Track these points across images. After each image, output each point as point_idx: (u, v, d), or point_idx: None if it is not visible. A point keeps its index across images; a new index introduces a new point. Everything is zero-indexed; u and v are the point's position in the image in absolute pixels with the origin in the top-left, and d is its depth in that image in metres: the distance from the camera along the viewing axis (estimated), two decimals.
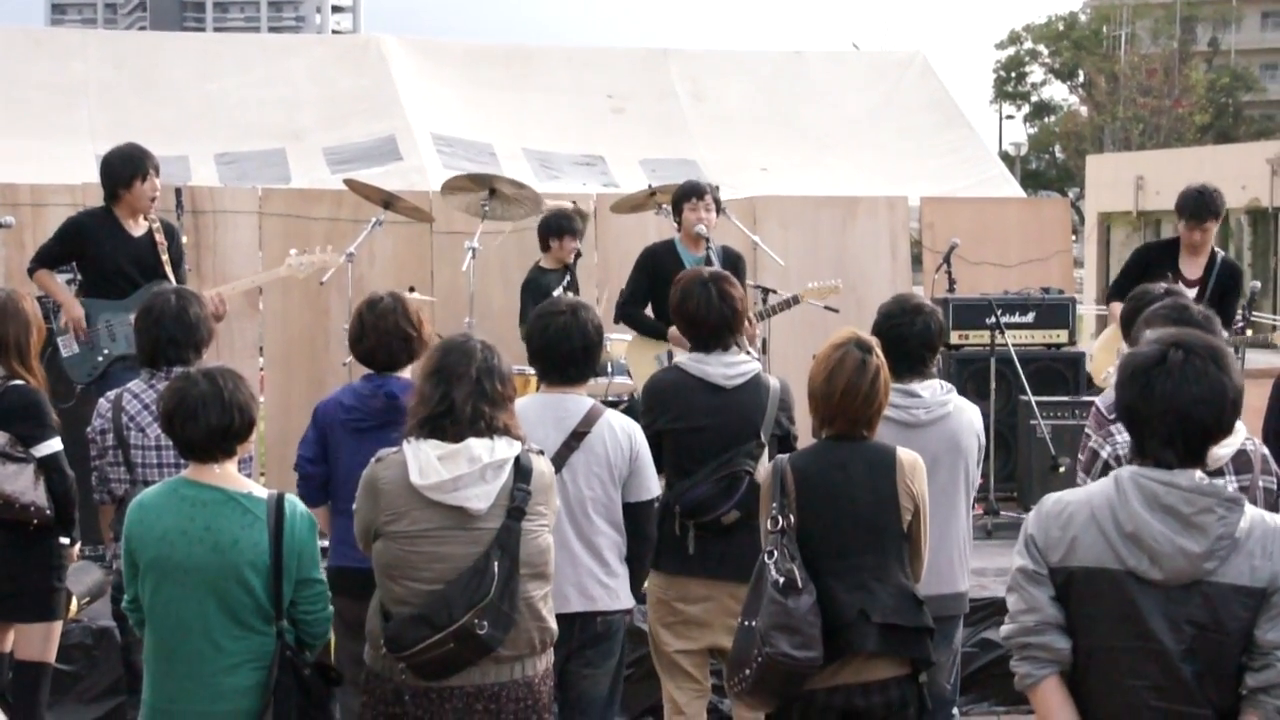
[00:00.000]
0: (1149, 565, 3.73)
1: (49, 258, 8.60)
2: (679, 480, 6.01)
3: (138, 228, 8.47)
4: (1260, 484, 4.78)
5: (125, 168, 8.39)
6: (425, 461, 4.69)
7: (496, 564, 4.65)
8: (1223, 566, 3.72)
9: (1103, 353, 9.62)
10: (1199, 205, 9.11)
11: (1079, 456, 5.84)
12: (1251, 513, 3.78)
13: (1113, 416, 5.55)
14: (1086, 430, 5.85)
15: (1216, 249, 9.30)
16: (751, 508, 5.62)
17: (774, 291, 9.59)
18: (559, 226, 10.43)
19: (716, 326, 6.06)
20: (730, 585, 5.72)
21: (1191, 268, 9.19)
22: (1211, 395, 3.76)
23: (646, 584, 6.14)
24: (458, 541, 4.69)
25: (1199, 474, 3.76)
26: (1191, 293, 8.86)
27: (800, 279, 10.03)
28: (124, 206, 8.41)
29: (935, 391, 5.85)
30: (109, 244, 8.41)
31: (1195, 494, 3.73)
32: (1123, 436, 4.92)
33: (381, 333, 6.00)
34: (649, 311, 9.25)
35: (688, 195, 9.09)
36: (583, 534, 5.56)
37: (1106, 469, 4.92)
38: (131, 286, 8.31)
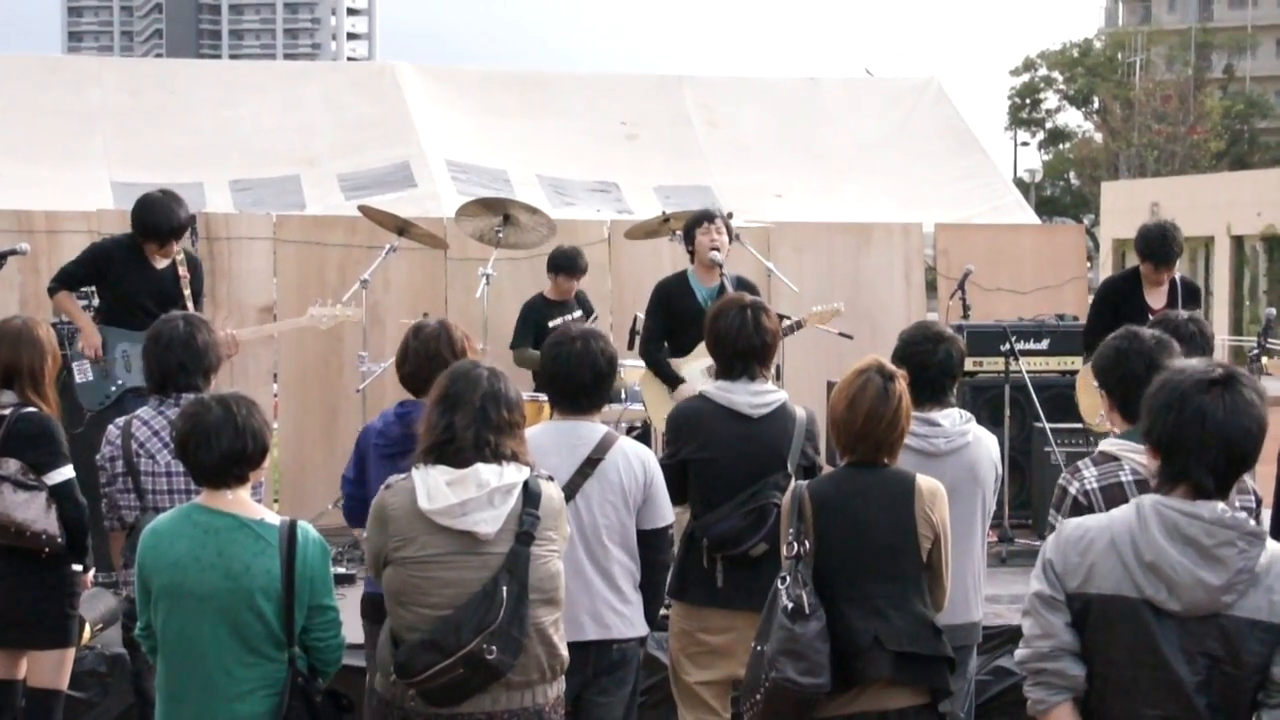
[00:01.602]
0: (1167, 595, 3.70)
1: (71, 279, 8.63)
2: (705, 511, 5.98)
3: (161, 261, 8.50)
4: (1236, 502, 4.74)
5: (145, 225, 8.42)
6: (433, 487, 4.67)
7: (505, 589, 4.63)
8: (1241, 600, 3.70)
9: (1088, 395, 9.57)
10: (1167, 250, 9.18)
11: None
12: (1272, 547, 3.76)
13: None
14: None
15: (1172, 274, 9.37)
16: (778, 540, 5.59)
17: (786, 317, 9.58)
18: (555, 264, 10.58)
19: (744, 352, 6.02)
20: (752, 616, 5.66)
21: (1156, 297, 9.28)
22: (1257, 428, 3.77)
23: (669, 614, 6.11)
24: (466, 566, 4.67)
25: (1221, 506, 3.74)
26: None
27: (814, 306, 10.02)
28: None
29: (955, 421, 5.83)
30: (130, 276, 8.46)
31: (1217, 526, 3.71)
32: (1090, 472, 4.88)
33: (422, 358, 6.01)
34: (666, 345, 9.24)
35: (699, 221, 9.07)
36: (597, 561, 5.55)
37: (1076, 505, 4.86)
38: (150, 319, 8.27)
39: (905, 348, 5.88)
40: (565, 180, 14.14)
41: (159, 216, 8.37)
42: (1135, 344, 5.02)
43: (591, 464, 5.55)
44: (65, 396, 8.27)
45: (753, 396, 6.00)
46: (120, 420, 6.07)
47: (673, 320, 9.04)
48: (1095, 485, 4.81)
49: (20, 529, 6.27)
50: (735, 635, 5.92)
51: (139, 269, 8.46)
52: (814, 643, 4.85)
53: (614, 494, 5.56)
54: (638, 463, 5.62)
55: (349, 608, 5.51)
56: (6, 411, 6.40)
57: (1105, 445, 4.94)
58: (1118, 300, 9.31)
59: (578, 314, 10.43)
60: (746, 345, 6.02)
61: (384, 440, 5.97)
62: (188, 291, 8.50)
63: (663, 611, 6.05)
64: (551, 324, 10.08)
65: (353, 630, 5.19)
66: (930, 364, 5.80)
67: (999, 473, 5.98)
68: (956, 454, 5.80)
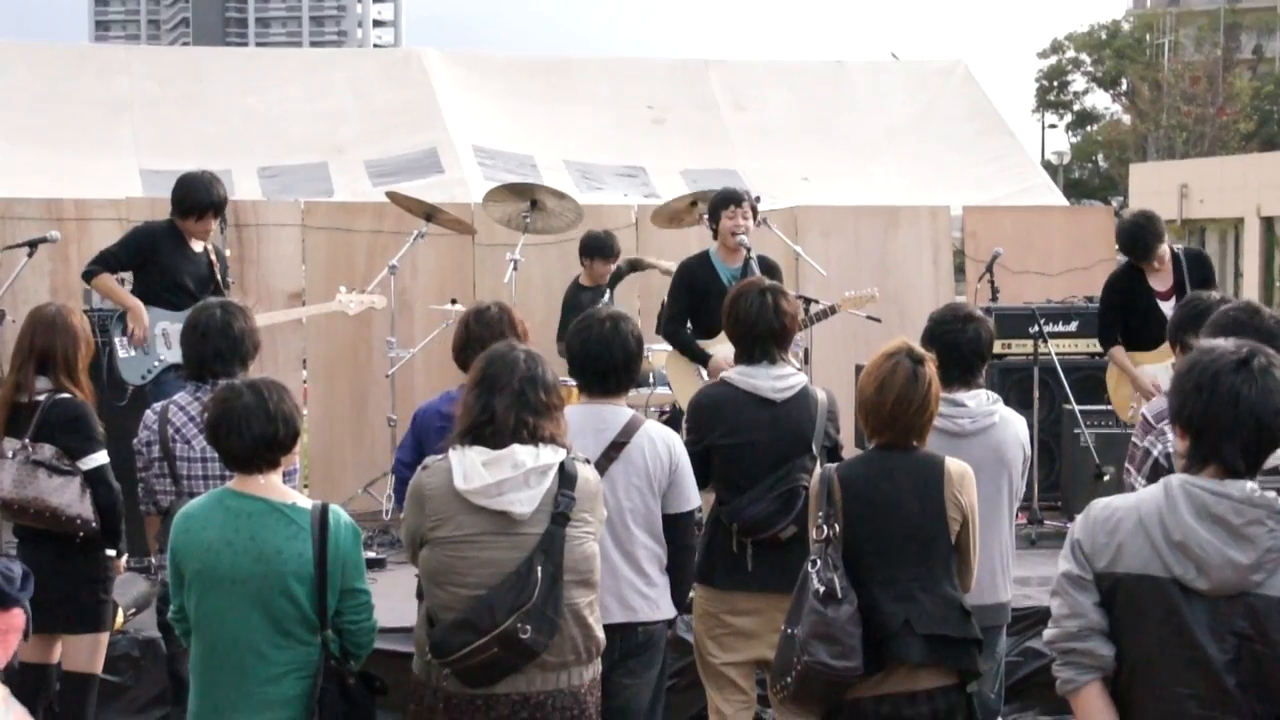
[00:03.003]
0: (1195, 574, 3.70)
1: (114, 262, 8.70)
2: (731, 496, 5.98)
3: (198, 243, 8.65)
4: None
5: (185, 199, 8.54)
6: (469, 467, 4.69)
7: (540, 569, 4.65)
8: (1270, 579, 3.69)
9: (1121, 388, 9.57)
10: (1141, 244, 9.22)
11: (1126, 464, 5.81)
12: None
13: (1159, 424, 5.53)
14: (1134, 440, 5.82)
15: (1174, 248, 9.34)
16: (807, 522, 5.60)
17: (815, 301, 9.57)
18: (587, 247, 10.57)
19: (763, 335, 6.03)
20: (779, 598, 5.66)
21: (1160, 280, 9.28)
22: None
23: (693, 596, 6.12)
24: (501, 546, 4.69)
25: (1250, 485, 3.73)
26: (1170, 303, 8.90)
27: (842, 289, 10.02)
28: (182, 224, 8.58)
29: (981, 402, 5.83)
30: (173, 258, 8.58)
31: (1246, 505, 3.70)
32: (1174, 434, 4.90)
33: (488, 342, 6.02)
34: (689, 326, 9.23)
35: (725, 203, 9.02)
36: (622, 545, 5.54)
37: (1157, 467, 4.89)
38: (189, 299, 8.39)
39: (935, 328, 5.90)
40: (592, 165, 14.17)
41: (201, 191, 8.51)
42: (1255, 320, 5.02)
43: (617, 448, 5.54)
44: (107, 373, 8.41)
45: (775, 380, 6.01)
46: (157, 405, 6.10)
47: (697, 301, 9.03)
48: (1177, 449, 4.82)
49: (55, 514, 6.33)
50: (761, 618, 5.94)
51: (181, 252, 8.62)
52: (846, 626, 4.86)
53: (639, 478, 5.55)
54: (663, 446, 5.61)
55: (380, 592, 5.53)
56: (41, 397, 6.45)
57: None
58: (1125, 299, 9.35)
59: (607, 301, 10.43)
60: (766, 328, 6.03)
61: (453, 425, 5.95)
62: (220, 277, 8.62)
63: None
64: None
65: (384, 614, 5.21)
66: (959, 344, 5.81)
67: (1027, 454, 5.98)
68: (982, 435, 5.80)
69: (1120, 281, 9.54)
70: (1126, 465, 5.77)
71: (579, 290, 10.64)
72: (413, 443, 6.16)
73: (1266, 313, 5.11)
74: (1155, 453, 4.96)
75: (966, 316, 5.94)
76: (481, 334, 6.01)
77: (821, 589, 4.89)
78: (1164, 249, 9.24)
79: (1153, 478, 4.90)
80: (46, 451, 6.37)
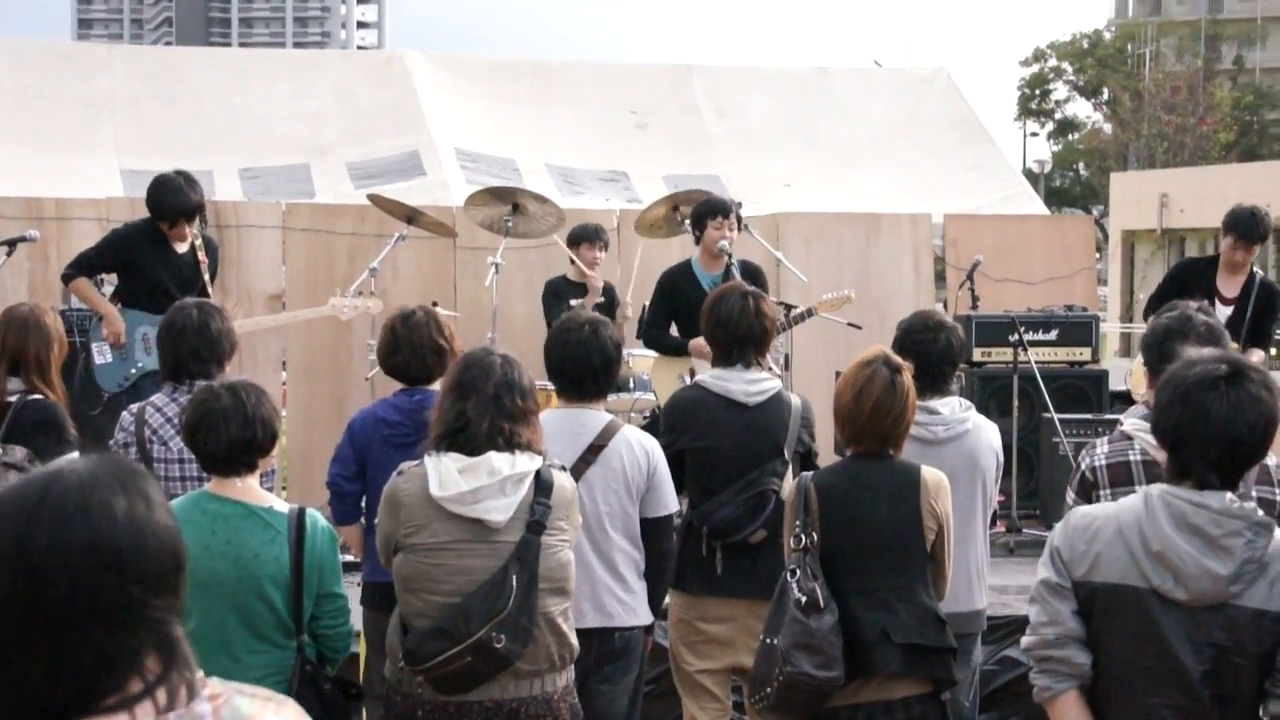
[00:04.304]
0: (1173, 585, 3.70)
1: (91, 266, 8.60)
2: (702, 499, 5.97)
3: (181, 244, 8.50)
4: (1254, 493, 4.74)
5: (157, 206, 8.39)
6: (445, 474, 4.68)
7: (515, 577, 4.63)
8: (1248, 590, 3.69)
9: (1141, 370, 9.57)
10: (1251, 226, 9.04)
11: None
12: None
13: (1097, 440, 5.53)
14: None
15: (1255, 269, 9.25)
16: (777, 526, 5.60)
17: (794, 307, 9.57)
18: (572, 235, 10.50)
19: (742, 338, 6.03)
20: (753, 604, 5.67)
21: (1229, 286, 9.11)
22: (1263, 422, 3.74)
23: (667, 602, 6.12)
24: (477, 554, 4.67)
25: (1230, 496, 3.73)
26: (1228, 311, 8.81)
27: (822, 296, 10.01)
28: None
29: (954, 409, 5.84)
30: (154, 261, 8.44)
31: (1224, 516, 3.70)
32: (1101, 449, 4.91)
33: (416, 346, 6.02)
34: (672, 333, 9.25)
35: (713, 213, 9.03)
36: (599, 549, 5.53)
37: (1083, 481, 4.90)
38: (171, 302, 8.30)
39: (906, 337, 5.89)
40: (574, 169, 14.15)
41: (173, 198, 8.37)
42: (1186, 326, 5.02)
43: (595, 451, 5.53)
44: (84, 379, 8.32)
45: (748, 385, 6.01)
46: (134, 406, 6.07)
47: (678, 310, 9.05)
48: (1103, 463, 4.85)
49: None
50: (735, 624, 5.93)
51: (162, 254, 8.46)
52: (828, 636, 4.86)
53: (617, 481, 5.55)
54: (641, 450, 5.60)
55: (357, 596, 5.52)
56: (12, 399, 6.39)
57: (1125, 424, 4.95)
58: (1187, 279, 9.18)
59: (600, 300, 10.36)
60: (745, 331, 6.03)
61: (402, 430, 5.94)
62: (207, 276, 8.53)
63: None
64: (574, 302, 10.06)
65: (361, 619, 5.19)
66: (931, 353, 5.81)
67: (1000, 461, 5.99)
68: (956, 441, 5.81)
69: (1192, 265, 9.43)
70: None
71: (567, 285, 10.55)
72: (352, 454, 6.09)
73: (1198, 319, 5.12)
74: (1083, 466, 4.96)
75: (937, 325, 5.93)
76: (410, 337, 6.03)
77: (803, 599, 4.89)
78: (1255, 252, 9.08)
79: (1079, 492, 4.91)
80: (18, 454, 6.28)
